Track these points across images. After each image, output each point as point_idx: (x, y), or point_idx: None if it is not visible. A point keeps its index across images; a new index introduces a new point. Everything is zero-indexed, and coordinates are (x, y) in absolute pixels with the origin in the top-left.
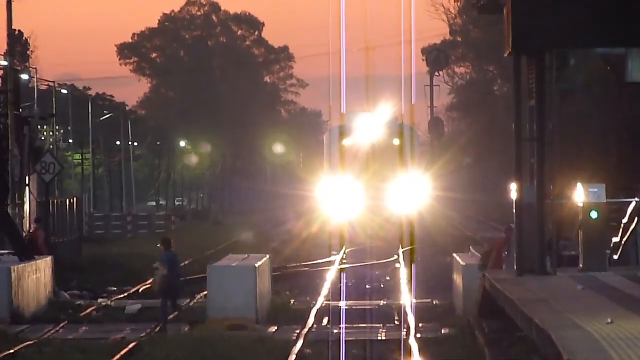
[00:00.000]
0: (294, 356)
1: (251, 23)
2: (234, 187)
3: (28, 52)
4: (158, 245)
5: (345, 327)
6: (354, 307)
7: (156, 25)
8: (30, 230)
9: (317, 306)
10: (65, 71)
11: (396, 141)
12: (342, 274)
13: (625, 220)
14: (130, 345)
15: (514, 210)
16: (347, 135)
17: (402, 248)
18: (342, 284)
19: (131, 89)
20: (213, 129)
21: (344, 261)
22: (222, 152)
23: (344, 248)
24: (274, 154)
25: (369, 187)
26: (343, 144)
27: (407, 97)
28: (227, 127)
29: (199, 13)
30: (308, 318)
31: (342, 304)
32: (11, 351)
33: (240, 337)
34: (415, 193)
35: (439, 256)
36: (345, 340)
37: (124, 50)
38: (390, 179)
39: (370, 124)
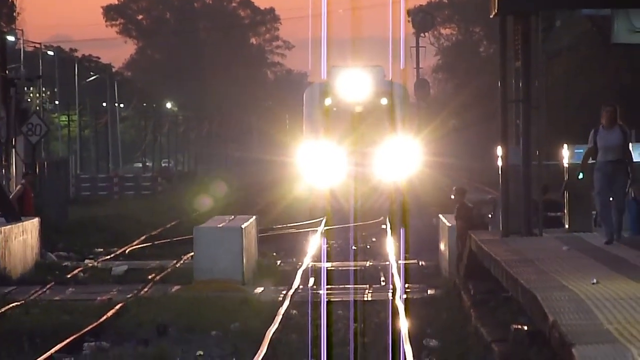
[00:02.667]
0: (280, 317)
1: None
2: (220, 151)
3: (14, 14)
4: None
5: (332, 288)
6: (340, 269)
7: None
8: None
9: (303, 267)
10: (51, 33)
11: (385, 101)
12: (327, 235)
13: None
14: (117, 307)
15: (500, 172)
16: (329, 93)
17: (389, 215)
18: (325, 246)
19: (118, 51)
20: (199, 90)
21: (328, 224)
22: (208, 113)
23: (325, 215)
24: (259, 117)
25: (353, 152)
26: (324, 103)
27: (394, 58)
28: (213, 88)
29: None
30: (294, 279)
31: (328, 265)
32: None
33: (227, 298)
34: (405, 159)
35: (426, 217)
36: (331, 301)
37: (110, 12)
38: (377, 143)
39: (356, 80)
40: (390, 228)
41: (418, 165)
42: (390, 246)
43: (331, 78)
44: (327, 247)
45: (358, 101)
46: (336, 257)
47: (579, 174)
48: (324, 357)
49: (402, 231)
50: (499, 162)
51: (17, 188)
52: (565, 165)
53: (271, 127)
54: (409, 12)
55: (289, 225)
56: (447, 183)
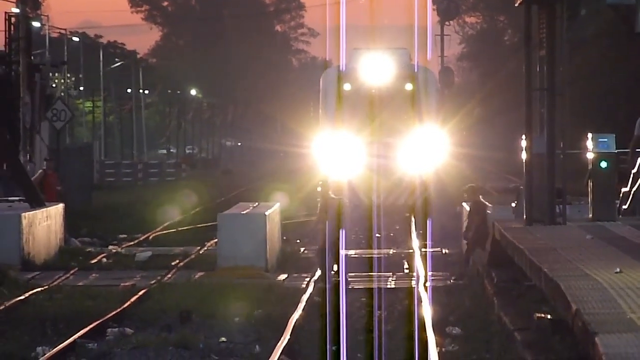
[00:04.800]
0: (303, 304)
1: None
2: (244, 142)
3: (40, 0)
4: None
5: (355, 275)
6: (363, 256)
7: None
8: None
9: (327, 255)
10: (77, 19)
11: (409, 86)
12: (347, 224)
13: (635, 170)
14: (141, 293)
15: (524, 160)
16: (348, 77)
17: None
18: (344, 234)
19: (143, 37)
20: (223, 77)
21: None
22: (232, 100)
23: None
24: (283, 105)
25: (374, 142)
26: (343, 88)
27: (419, 47)
28: (237, 75)
29: None
30: (317, 266)
31: (352, 252)
32: (22, 297)
33: (250, 285)
34: (432, 150)
35: (449, 206)
36: (354, 288)
37: None
38: (401, 132)
39: (378, 63)
40: (414, 217)
41: (445, 156)
42: (414, 234)
43: (351, 61)
44: (350, 235)
45: (380, 86)
46: (359, 244)
47: (602, 163)
48: (344, 343)
49: (427, 220)
50: (523, 154)
51: (38, 173)
52: (589, 155)
53: (295, 115)
54: (433, 0)
55: (311, 213)
56: (475, 177)
